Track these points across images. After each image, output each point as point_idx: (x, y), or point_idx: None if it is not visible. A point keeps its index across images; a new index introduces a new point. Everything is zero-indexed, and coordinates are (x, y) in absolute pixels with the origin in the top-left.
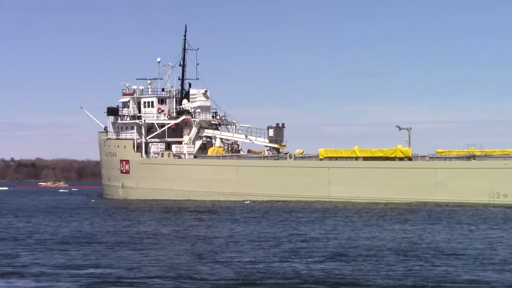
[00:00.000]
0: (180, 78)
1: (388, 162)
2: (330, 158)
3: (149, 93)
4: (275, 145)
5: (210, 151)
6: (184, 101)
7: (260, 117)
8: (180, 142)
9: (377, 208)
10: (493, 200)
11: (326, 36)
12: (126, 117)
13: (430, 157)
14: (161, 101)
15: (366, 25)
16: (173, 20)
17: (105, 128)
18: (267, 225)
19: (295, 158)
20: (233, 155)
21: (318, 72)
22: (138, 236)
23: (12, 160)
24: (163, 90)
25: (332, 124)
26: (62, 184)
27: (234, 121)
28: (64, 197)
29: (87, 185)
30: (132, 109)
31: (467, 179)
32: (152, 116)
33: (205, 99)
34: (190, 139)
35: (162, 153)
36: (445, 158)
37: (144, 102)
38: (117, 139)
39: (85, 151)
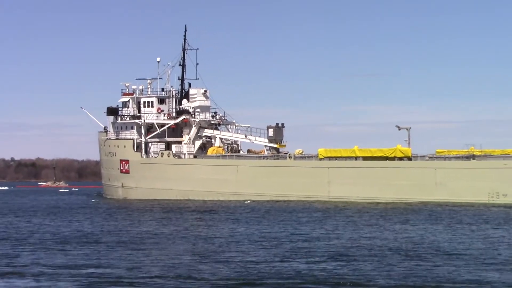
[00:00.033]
0: (180, 78)
1: (387, 162)
2: (330, 158)
3: (149, 93)
4: (275, 145)
5: (210, 151)
6: (184, 101)
7: (260, 117)
8: (180, 142)
9: (378, 208)
10: (493, 200)
11: (326, 36)
12: (126, 117)
13: (430, 157)
14: (161, 101)
15: (366, 25)
16: (173, 20)
17: (105, 128)
18: (267, 225)
19: (295, 158)
20: (233, 155)
21: (318, 72)
22: (138, 236)
23: (12, 160)
24: (162, 90)
25: (332, 124)
26: (62, 184)
27: (234, 121)
28: (64, 197)
29: (87, 185)
30: (132, 109)
31: (467, 179)
32: (151, 116)
33: (204, 99)
34: (190, 139)
35: (162, 153)
36: (445, 158)
37: (144, 102)
38: (117, 139)
39: (85, 151)
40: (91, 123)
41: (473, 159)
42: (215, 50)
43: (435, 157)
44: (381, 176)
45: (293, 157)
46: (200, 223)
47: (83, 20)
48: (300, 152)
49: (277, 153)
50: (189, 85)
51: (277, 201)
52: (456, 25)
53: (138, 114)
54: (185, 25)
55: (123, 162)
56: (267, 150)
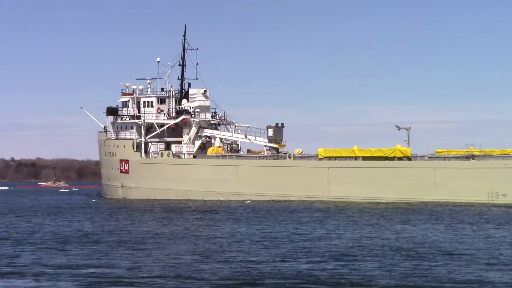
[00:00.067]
0: (180, 78)
1: (387, 162)
2: (330, 158)
3: (149, 93)
4: (275, 145)
5: (210, 151)
6: (184, 101)
7: (260, 117)
8: (180, 142)
9: (378, 208)
10: (492, 200)
11: (326, 36)
12: (125, 117)
13: (429, 157)
14: (161, 101)
15: (366, 25)
16: (172, 20)
17: (105, 128)
18: (268, 224)
19: (295, 158)
20: (233, 155)
21: (318, 72)
22: (139, 236)
23: (12, 160)
24: (162, 90)
25: (332, 124)
26: (62, 184)
27: (234, 121)
28: (64, 197)
29: (87, 185)
30: (131, 109)
31: (466, 179)
32: (151, 116)
33: (204, 99)
34: (189, 139)
35: (162, 153)
36: (444, 158)
37: (144, 102)
38: (117, 139)
39: (85, 151)
40: (91, 123)
41: (473, 159)
42: (215, 50)
43: (434, 157)
44: (381, 176)
45: (292, 157)
46: (201, 223)
47: (83, 20)
48: (300, 152)
49: (276, 153)
50: (189, 85)
51: (277, 201)
52: (456, 25)
53: (138, 114)
54: (185, 25)
55: (123, 162)
56: (266, 150)
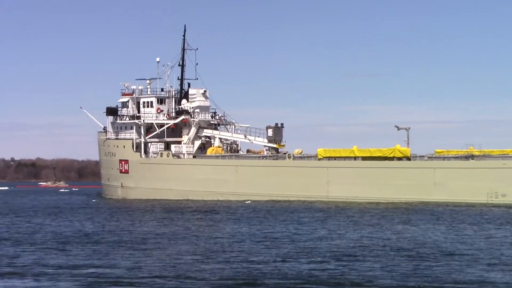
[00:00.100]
0: (179, 78)
1: (386, 162)
2: (329, 158)
3: (148, 93)
4: (274, 145)
5: (209, 151)
6: (183, 101)
7: (260, 117)
8: (179, 142)
9: (378, 208)
10: (491, 200)
11: (326, 36)
12: (125, 117)
13: (429, 157)
14: (160, 101)
15: (366, 25)
16: (172, 20)
17: (104, 128)
18: (269, 225)
19: (294, 158)
20: (232, 155)
21: (318, 72)
22: (139, 236)
23: (12, 160)
24: (162, 90)
25: (332, 124)
26: (62, 184)
27: (233, 121)
28: (64, 197)
29: (87, 185)
30: (131, 109)
31: (466, 179)
32: (151, 116)
33: (204, 99)
34: (189, 139)
35: (161, 153)
36: (444, 158)
37: (143, 102)
38: (116, 139)
39: (85, 151)
40: (91, 123)
41: (472, 159)
42: (215, 50)
43: (434, 157)
44: (380, 176)
45: (292, 157)
46: (201, 223)
47: (83, 20)
48: (299, 152)
49: (276, 153)
50: (189, 85)
51: (277, 201)
52: (456, 25)
53: (137, 114)
54: (185, 25)
55: (123, 162)
56: (266, 150)
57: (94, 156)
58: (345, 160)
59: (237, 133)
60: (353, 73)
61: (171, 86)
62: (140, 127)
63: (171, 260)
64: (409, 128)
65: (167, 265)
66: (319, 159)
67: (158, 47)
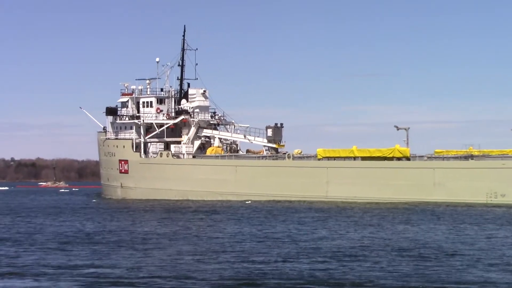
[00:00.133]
0: (179, 78)
1: (386, 162)
2: (329, 158)
3: (148, 93)
4: (274, 145)
5: (209, 151)
6: (183, 101)
7: (260, 117)
8: (179, 142)
9: (378, 208)
10: (491, 200)
11: (326, 36)
12: (125, 117)
13: (428, 157)
14: (160, 101)
15: (366, 25)
16: (172, 20)
17: (104, 128)
18: (269, 225)
19: (294, 158)
20: (232, 155)
21: (318, 72)
22: (139, 236)
23: (12, 160)
24: (162, 90)
25: (332, 124)
26: (62, 184)
27: (233, 121)
28: (64, 197)
29: (87, 185)
30: (131, 109)
31: (465, 179)
32: (151, 116)
33: (203, 99)
34: (188, 139)
35: (161, 153)
36: (443, 158)
37: (143, 102)
38: (116, 139)
39: (85, 151)
40: (90, 123)
41: (472, 159)
42: (214, 50)
43: (433, 157)
44: (380, 176)
45: (291, 157)
46: (202, 223)
47: (83, 20)
48: (299, 152)
49: (276, 153)
50: (188, 85)
51: (276, 201)
52: (456, 25)
53: (137, 114)
54: (184, 26)
55: (122, 162)
56: (266, 150)
57: (94, 156)
58: (344, 160)
59: (236, 133)
60: (353, 73)
61: (170, 86)
62: (139, 127)
63: (172, 260)
64: (409, 128)
65: (167, 265)
66: (319, 159)
67: (157, 47)
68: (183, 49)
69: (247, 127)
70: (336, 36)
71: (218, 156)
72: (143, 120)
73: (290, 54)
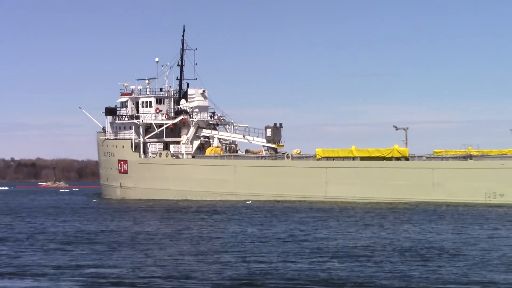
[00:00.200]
0: (178, 78)
1: (385, 162)
2: (328, 158)
3: (147, 93)
4: (273, 145)
5: (208, 151)
6: (182, 101)
7: (259, 117)
8: (178, 142)
9: (378, 208)
10: (490, 200)
11: (326, 36)
12: (124, 117)
13: (427, 157)
14: (159, 101)
15: (366, 25)
16: (171, 20)
17: (103, 128)
18: (270, 224)
19: (293, 158)
20: (231, 155)
21: (318, 72)
22: (140, 236)
23: (12, 160)
24: (161, 90)
25: (332, 124)
26: (62, 184)
27: (232, 121)
28: (65, 197)
29: (87, 185)
30: (130, 109)
31: (464, 179)
32: (150, 116)
33: (203, 99)
34: (188, 139)
35: (160, 153)
36: (442, 158)
37: (142, 102)
38: (115, 139)
39: (85, 151)
40: (90, 123)
41: (470, 159)
42: (214, 50)
43: (432, 157)
44: (379, 176)
45: (290, 157)
46: (202, 223)
47: (83, 20)
48: (298, 152)
49: (275, 153)
50: (188, 85)
51: (275, 201)
52: (456, 25)
53: (136, 114)
54: (183, 26)
55: (121, 162)
56: (265, 150)
57: (94, 156)
58: (343, 160)
59: (236, 133)
60: (353, 73)
61: (170, 86)
62: (139, 127)
63: (172, 260)
64: (408, 128)
65: (169, 265)
66: (318, 159)
67: (157, 47)
68: (182, 49)
69: (246, 127)
70: (336, 36)
71: (217, 156)
72: (142, 120)
73: (290, 54)
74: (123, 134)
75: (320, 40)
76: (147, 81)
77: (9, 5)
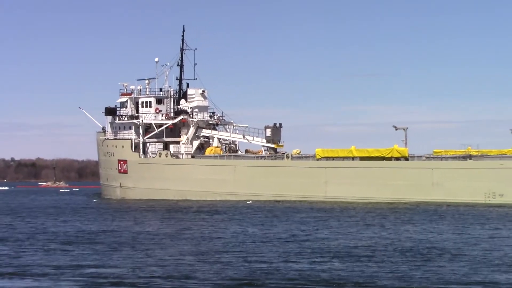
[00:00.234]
0: (178, 78)
1: (384, 162)
2: (327, 158)
3: (147, 93)
4: (273, 145)
5: (208, 151)
6: (182, 101)
7: (259, 117)
8: (178, 142)
9: (378, 208)
10: (489, 200)
11: (326, 36)
12: (124, 117)
13: (427, 157)
14: (159, 101)
15: (366, 25)
16: (171, 20)
17: (103, 128)
18: (270, 224)
19: (292, 158)
20: (231, 155)
21: (318, 72)
22: (140, 236)
23: (12, 160)
24: (161, 90)
25: (332, 124)
26: (62, 184)
27: (232, 121)
28: (65, 197)
29: (87, 185)
30: (130, 109)
31: (463, 179)
32: (150, 116)
33: (202, 99)
34: (187, 139)
35: (160, 153)
36: (441, 158)
37: (142, 102)
38: (115, 139)
39: (85, 151)
40: (90, 123)
41: (470, 159)
42: (214, 50)
43: (431, 157)
44: (378, 176)
45: (290, 157)
46: (203, 223)
47: (83, 20)
48: (298, 152)
49: (274, 153)
50: (187, 85)
51: (275, 201)
52: (456, 25)
53: (136, 114)
54: (183, 26)
55: (121, 162)
56: (264, 150)
57: (94, 156)
58: (343, 160)
59: (235, 133)
60: (353, 73)
61: (169, 86)
62: (138, 127)
63: (173, 260)
64: (407, 128)
65: (169, 265)
66: (317, 159)
67: (157, 47)
68: (182, 49)
69: (246, 127)
70: (336, 36)
71: (217, 156)
72: (142, 120)
73: (290, 54)
74: (122, 134)
75: (320, 40)
76: (146, 81)
77: (9, 5)
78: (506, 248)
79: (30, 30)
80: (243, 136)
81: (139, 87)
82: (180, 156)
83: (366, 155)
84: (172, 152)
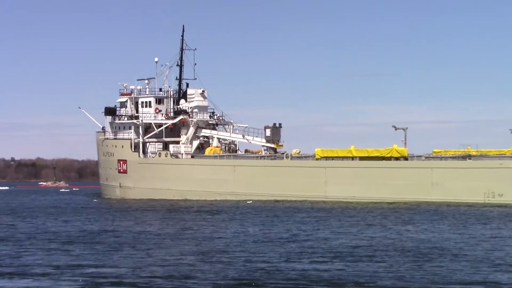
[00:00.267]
0: (178, 78)
1: (384, 162)
2: (327, 158)
3: (147, 93)
4: (272, 145)
5: (208, 151)
6: (182, 101)
7: (259, 117)
8: (178, 142)
9: (378, 208)
10: (488, 200)
11: (326, 36)
12: (123, 117)
13: (426, 157)
14: (159, 101)
15: (366, 25)
16: (171, 20)
17: (103, 128)
18: (271, 224)
19: (292, 158)
20: (230, 155)
21: (318, 72)
22: (141, 236)
23: (12, 160)
24: (160, 90)
25: (332, 124)
26: (62, 183)
27: (232, 121)
28: (65, 197)
29: (88, 185)
30: (129, 109)
31: (463, 179)
32: (149, 116)
33: (202, 99)
34: (187, 139)
35: (160, 153)
36: (441, 158)
37: (142, 102)
38: (115, 139)
39: (85, 151)
40: (90, 123)
41: (469, 159)
42: (213, 50)
43: (431, 157)
44: (378, 176)
45: (290, 157)
46: (203, 223)
47: (83, 20)
48: (297, 152)
49: (274, 153)
50: (187, 85)
51: (275, 201)
52: (456, 25)
53: (136, 114)
54: (183, 26)
55: (121, 162)
56: (264, 150)
57: (94, 156)
58: (342, 160)
59: (235, 133)
60: (353, 73)
61: (169, 86)
62: (138, 127)
63: (173, 260)
64: (407, 128)
65: (169, 265)
66: (317, 159)
67: (156, 47)
68: (182, 49)
69: (245, 127)
70: (336, 36)
71: (216, 156)
72: (141, 120)
73: (290, 54)
74: (122, 134)
75: (320, 40)
76: (146, 81)
77: (9, 5)
78: (507, 248)
79: (30, 30)
80: (243, 136)
81: (139, 87)
82: (179, 156)
83: (366, 155)
84: (171, 152)
